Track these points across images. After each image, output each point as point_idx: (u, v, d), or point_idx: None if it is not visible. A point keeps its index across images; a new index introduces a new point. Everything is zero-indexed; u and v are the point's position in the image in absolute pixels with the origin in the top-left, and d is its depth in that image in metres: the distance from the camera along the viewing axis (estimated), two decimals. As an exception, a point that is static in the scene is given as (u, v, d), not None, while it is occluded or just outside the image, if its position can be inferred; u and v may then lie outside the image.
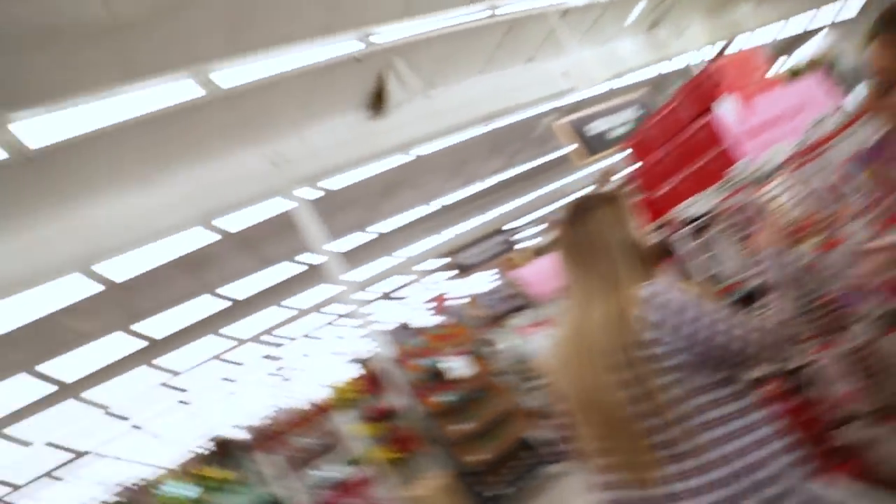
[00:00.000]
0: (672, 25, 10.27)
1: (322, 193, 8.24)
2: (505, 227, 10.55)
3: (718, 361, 1.55)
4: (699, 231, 2.25)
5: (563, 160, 10.60)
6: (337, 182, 8.21)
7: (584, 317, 1.65)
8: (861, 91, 1.70)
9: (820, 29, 15.29)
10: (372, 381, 6.23)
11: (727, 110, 2.52)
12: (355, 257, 11.26)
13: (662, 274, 1.75)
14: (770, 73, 2.97)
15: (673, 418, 1.50)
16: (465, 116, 8.02)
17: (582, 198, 1.83)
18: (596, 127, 6.74)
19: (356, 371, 6.66)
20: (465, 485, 5.83)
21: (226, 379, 14.80)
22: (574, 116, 7.07)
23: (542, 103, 9.08)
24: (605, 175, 5.05)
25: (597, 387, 1.59)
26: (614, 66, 9.77)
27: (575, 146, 6.65)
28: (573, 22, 7.96)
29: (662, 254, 1.96)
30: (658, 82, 11.20)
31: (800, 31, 14.60)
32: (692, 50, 10.40)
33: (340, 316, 14.75)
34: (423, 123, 7.63)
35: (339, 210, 9.09)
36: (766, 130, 2.49)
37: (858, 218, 1.75)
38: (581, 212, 1.76)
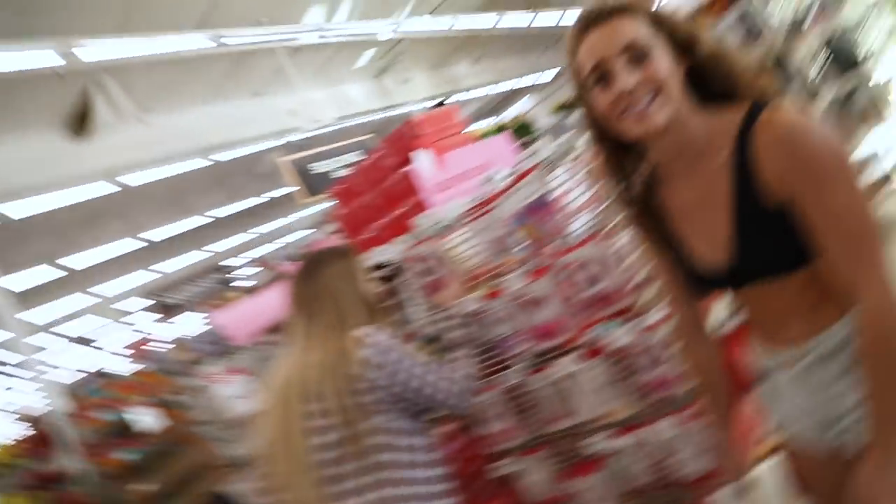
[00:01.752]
0: (398, 75, 10.83)
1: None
2: (223, 265, 10.06)
3: (421, 409, 1.67)
4: (389, 278, 2.36)
5: (287, 198, 10.52)
6: (24, 207, 7.19)
7: (300, 362, 1.67)
8: (536, 150, 1.91)
9: (525, 90, 17.30)
10: (40, 442, 5.26)
11: (422, 163, 2.69)
12: (39, 295, 9.97)
13: (388, 324, 1.84)
14: (468, 130, 3.22)
15: (369, 464, 1.56)
16: (184, 146, 7.60)
17: (315, 252, 1.91)
18: (319, 167, 6.80)
19: (24, 430, 5.62)
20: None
21: None
22: (298, 155, 7.07)
23: (267, 139, 8.94)
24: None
25: (292, 432, 1.60)
26: (342, 108, 9.98)
27: (297, 185, 6.63)
28: (303, 61, 8.02)
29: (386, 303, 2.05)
30: (384, 128, 11.69)
31: (509, 91, 16.38)
32: (415, 100, 11.06)
33: (11, 365, 12.44)
34: (135, 150, 7.06)
35: (23, 240, 8.00)
36: (454, 184, 2.70)
37: (517, 269, 1.96)
38: (313, 266, 1.82)
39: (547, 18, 11.75)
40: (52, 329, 12.14)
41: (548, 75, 17.34)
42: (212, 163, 8.27)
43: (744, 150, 1.13)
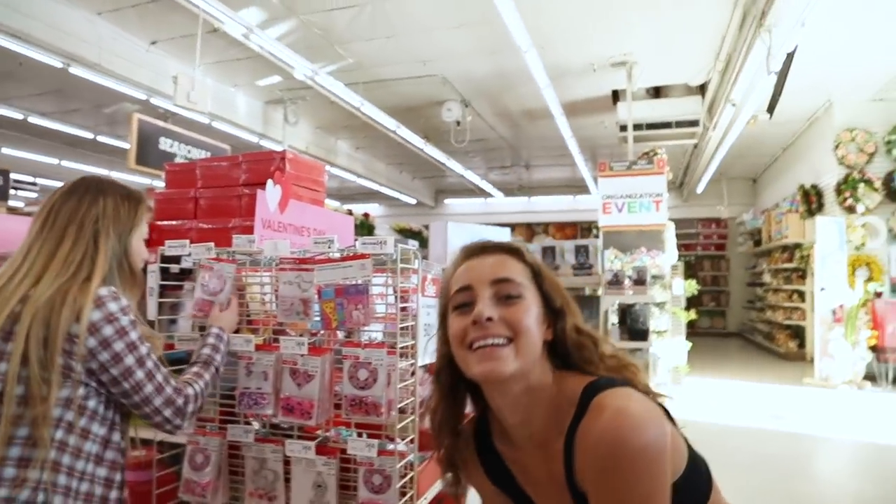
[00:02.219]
0: (289, 114, 10.76)
1: None
2: (14, 174, 8.99)
3: (120, 396, 1.45)
4: (178, 277, 2.19)
5: (118, 154, 9.81)
6: None
7: (19, 291, 1.37)
8: (382, 242, 1.89)
9: (380, 198, 17.81)
10: None
11: (271, 194, 2.61)
12: None
13: (133, 295, 1.61)
14: (322, 195, 3.19)
15: (38, 436, 1.30)
16: (47, 37, 6.91)
17: (97, 179, 1.59)
18: (167, 145, 6.38)
19: None
20: None
21: None
22: (154, 121, 6.64)
23: (136, 88, 8.42)
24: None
25: None
26: (222, 108, 9.69)
27: (135, 147, 6.14)
28: (215, 44, 7.75)
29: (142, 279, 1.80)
30: (242, 148, 11.36)
31: (367, 190, 16.83)
32: (287, 144, 10.96)
33: None
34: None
35: None
36: (283, 231, 2.64)
37: (300, 337, 1.89)
38: (91, 190, 1.54)
39: (434, 152, 12.40)
40: None
41: (408, 198, 18.19)
42: (61, 67, 7.52)
43: (573, 436, 1.04)
